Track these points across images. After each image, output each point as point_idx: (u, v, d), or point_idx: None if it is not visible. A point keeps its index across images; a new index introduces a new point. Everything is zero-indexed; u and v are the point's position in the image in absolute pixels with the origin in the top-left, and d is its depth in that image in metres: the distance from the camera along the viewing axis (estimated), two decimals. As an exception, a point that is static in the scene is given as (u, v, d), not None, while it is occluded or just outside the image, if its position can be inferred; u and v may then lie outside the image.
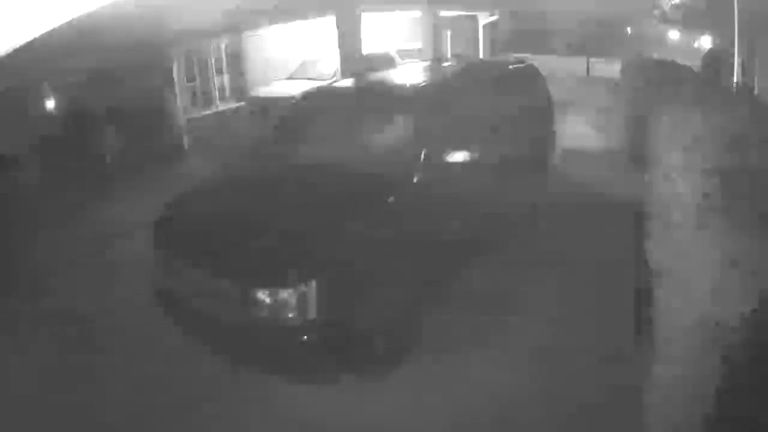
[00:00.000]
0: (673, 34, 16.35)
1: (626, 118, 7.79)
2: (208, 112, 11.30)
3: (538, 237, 4.85)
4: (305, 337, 2.83)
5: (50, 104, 7.31)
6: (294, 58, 12.02)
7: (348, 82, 5.40)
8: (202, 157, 7.92)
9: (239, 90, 12.00)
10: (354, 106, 4.34)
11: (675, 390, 2.18)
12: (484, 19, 16.39)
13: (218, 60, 11.72)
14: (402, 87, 4.61)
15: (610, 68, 13.39)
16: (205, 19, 6.94)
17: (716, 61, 7.91)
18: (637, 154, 5.72)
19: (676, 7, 12.71)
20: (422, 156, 3.55)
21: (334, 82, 5.80)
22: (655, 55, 10.09)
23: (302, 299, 2.77)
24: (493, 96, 4.64)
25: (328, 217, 3.10)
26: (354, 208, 3.19)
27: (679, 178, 2.53)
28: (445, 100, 4.07)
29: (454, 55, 15.49)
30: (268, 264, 2.90)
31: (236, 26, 9.81)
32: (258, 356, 2.99)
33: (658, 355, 2.48)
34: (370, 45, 10.00)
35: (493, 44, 17.11)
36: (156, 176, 7.08)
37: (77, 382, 3.26)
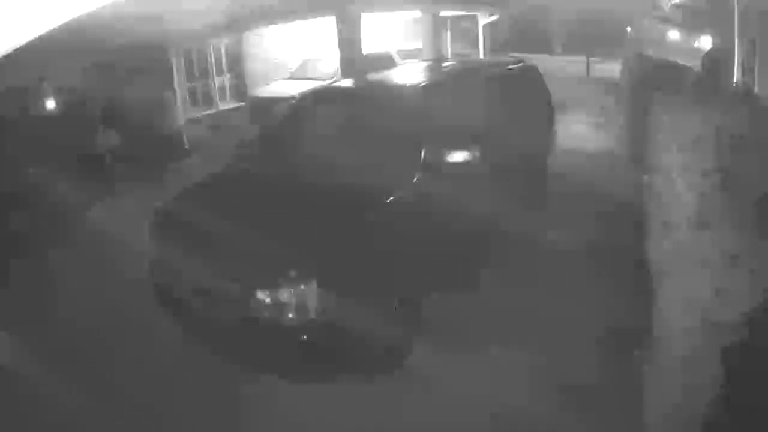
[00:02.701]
0: (673, 34, 16.35)
1: (626, 118, 7.79)
2: (208, 112, 11.30)
3: (537, 237, 4.84)
4: (305, 337, 2.83)
5: (50, 104, 7.31)
6: (294, 58, 12.02)
7: (348, 82, 5.40)
8: (202, 157, 7.91)
9: (239, 90, 11.99)
10: (354, 106, 4.33)
11: (675, 389, 2.18)
12: (484, 19, 16.37)
13: (218, 60, 11.71)
14: (402, 87, 4.61)
15: (610, 68, 13.42)
16: (205, 19, 6.94)
17: (716, 61, 7.90)
18: (637, 154, 5.73)
19: (676, 7, 12.71)
20: (422, 156, 3.55)
21: (334, 82, 5.80)
22: (655, 55, 10.07)
23: (302, 299, 2.77)
24: (493, 96, 4.64)
25: (328, 217, 3.10)
26: (354, 208, 3.19)
27: (679, 178, 2.54)
28: (445, 100, 4.06)
29: (454, 55, 15.49)
30: (268, 264, 2.90)
31: (236, 26, 9.80)
32: (258, 356, 2.99)
33: (659, 355, 2.48)
34: (370, 45, 9.99)
35: (493, 44, 17.09)
36: (156, 176, 7.07)
37: (76, 382, 3.26)
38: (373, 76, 5.21)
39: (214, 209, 3.47)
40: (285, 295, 2.78)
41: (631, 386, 2.66)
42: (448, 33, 16.97)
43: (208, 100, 11.56)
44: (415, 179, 3.47)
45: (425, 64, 6.42)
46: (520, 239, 4.72)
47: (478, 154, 3.75)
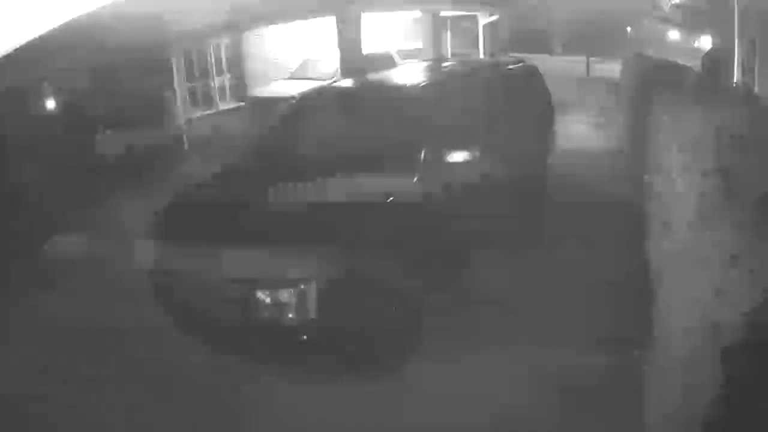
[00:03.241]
0: (673, 34, 16.38)
1: (626, 118, 7.79)
2: (208, 112, 11.29)
3: (538, 237, 4.84)
4: (305, 337, 2.83)
5: (50, 104, 7.30)
6: (294, 58, 12.02)
7: (348, 82, 5.40)
8: (202, 157, 7.91)
9: (239, 90, 11.98)
10: (354, 106, 4.34)
11: (675, 389, 2.17)
12: (484, 19, 16.37)
13: (218, 60, 11.71)
14: (402, 87, 4.61)
15: (610, 68, 13.42)
16: (205, 19, 6.94)
17: (716, 61, 7.92)
18: (637, 154, 5.73)
19: (676, 7, 12.73)
20: (422, 156, 3.55)
21: (334, 82, 5.80)
22: (655, 55, 10.08)
23: (302, 299, 2.77)
24: (493, 96, 4.64)
25: (328, 217, 3.10)
26: (354, 208, 3.19)
27: (679, 178, 2.54)
28: (445, 100, 4.06)
29: (454, 55, 15.49)
30: (268, 264, 2.90)
31: (236, 26, 9.80)
32: (258, 356, 2.99)
33: (659, 355, 2.48)
34: (370, 45, 9.99)
35: (493, 44, 17.10)
36: (156, 176, 7.07)
37: (75, 382, 3.26)
38: (373, 76, 5.21)
39: (214, 209, 3.48)
40: (285, 295, 2.79)
41: (631, 386, 2.66)
42: (448, 33, 16.97)
43: (208, 100, 11.55)
44: (415, 179, 3.47)
45: (425, 64, 6.42)
46: (519, 239, 4.71)
47: (477, 154, 3.75)
